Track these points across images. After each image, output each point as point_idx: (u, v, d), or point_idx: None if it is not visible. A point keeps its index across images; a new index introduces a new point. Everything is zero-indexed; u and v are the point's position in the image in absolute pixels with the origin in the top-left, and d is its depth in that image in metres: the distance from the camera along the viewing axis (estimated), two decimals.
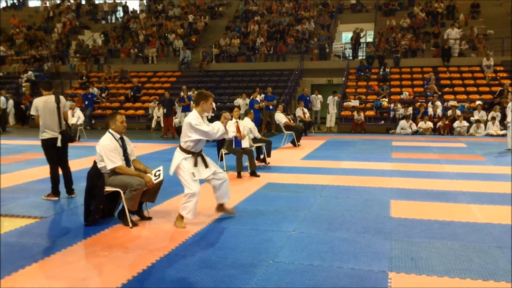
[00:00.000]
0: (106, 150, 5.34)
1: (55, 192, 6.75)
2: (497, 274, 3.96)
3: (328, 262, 4.23)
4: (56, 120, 6.68)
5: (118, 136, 5.54)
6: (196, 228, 5.27)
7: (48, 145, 6.67)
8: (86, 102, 20.42)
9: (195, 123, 5.30)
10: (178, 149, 5.52)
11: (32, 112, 6.72)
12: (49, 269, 4.14)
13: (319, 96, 19.26)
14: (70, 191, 6.90)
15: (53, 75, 24.91)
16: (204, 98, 5.42)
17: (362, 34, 23.50)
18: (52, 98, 6.74)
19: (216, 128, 5.36)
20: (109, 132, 5.53)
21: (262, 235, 5.06)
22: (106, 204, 5.53)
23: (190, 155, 5.44)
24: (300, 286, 3.73)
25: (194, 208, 5.38)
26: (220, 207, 5.90)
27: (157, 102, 19.25)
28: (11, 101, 20.60)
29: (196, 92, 5.77)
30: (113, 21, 31.22)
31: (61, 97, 6.90)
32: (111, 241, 4.88)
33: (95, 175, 5.41)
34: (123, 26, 28.76)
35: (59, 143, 6.65)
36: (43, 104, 6.64)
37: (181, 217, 5.42)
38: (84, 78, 23.69)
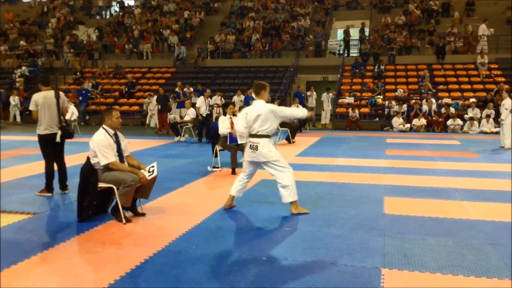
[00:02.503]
0: (100, 145, 5.32)
1: (48, 188, 6.72)
2: (489, 270, 3.98)
3: (321, 258, 4.24)
4: (55, 115, 6.67)
5: (112, 131, 5.51)
6: (189, 225, 5.26)
7: (46, 140, 6.64)
8: (80, 98, 20.33)
9: (279, 108, 5.82)
10: (266, 139, 5.66)
11: (31, 107, 6.66)
12: (42, 265, 4.12)
13: (314, 93, 19.28)
14: (63, 187, 6.87)
15: (47, 70, 24.75)
16: (263, 88, 5.79)
17: (351, 33, 23.36)
18: (51, 93, 6.73)
19: (301, 111, 6.07)
20: (103, 127, 5.50)
21: (256, 232, 5.06)
22: (100, 200, 5.51)
23: (273, 140, 5.81)
24: (293, 282, 3.73)
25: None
26: (231, 200, 6.01)
27: (151, 97, 19.16)
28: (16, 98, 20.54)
29: (254, 84, 6.03)
30: (108, 16, 31.06)
31: (61, 93, 6.90)
32: (104, 237, 4.87)
33: (89, 171, 5.39)
34: (117, 22, 28.62)
35: (58, 139, 6.64)
36: (43, 100, 6.62)
37: (295, 204, 5.69)
38: (78, 73, 23.57)
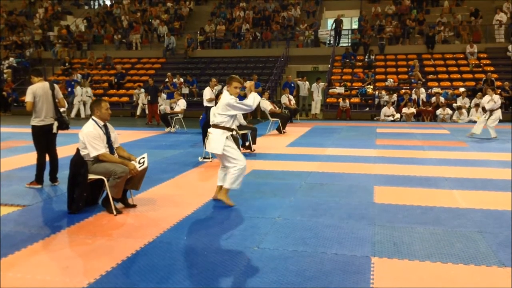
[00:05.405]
0: (89, 137, 5.29)
1: (39, 180, 6.68)
2: (478, 258, 4.03)
3: (312, 247, 4.27)
4: (52, 106, 6.64)
5: (101, 123, 5.49)
6: (180, 215, 5.26)
7: (42, 132, 6.59)
8: (69, 89, 20.12)
9: (233, 101, 5.58)
10: (216, 129, 5.64)
11: (29, 98, 6.53)
12: (32, 258, 4.10)
13: (306, 82, 19.31)
14: (54, 179, 6.83)
15: (35, 61, 24.49)
16: (230, 79, 5.81)
17: (341, 23, 23.30)
18: (47, 84, 6.71)
19: (251, 99, 5.64)
20: (92, 119, 5.49)
21: (247, 222, 5.08)
22: (90, 192, 5.49)
23: (229, 133, 5.67)
24: (284, 271, 3.75)
25: (242, 179, 5.74)
26: (219, 191, 5.94)
27: (142, 88, 19.02)
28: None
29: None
30: (96, 6, 30.71)
31: (55, 84, 6.90)
32: (95, 229, 4.86)
33: (79, 162, 5.36)
34: (106, 12, 28.31)
35: (55, 130, 6.63)
36: (42, 91, 6.58)
37: (226, 191, 5.70)
38: (67, 64, 23.33)
